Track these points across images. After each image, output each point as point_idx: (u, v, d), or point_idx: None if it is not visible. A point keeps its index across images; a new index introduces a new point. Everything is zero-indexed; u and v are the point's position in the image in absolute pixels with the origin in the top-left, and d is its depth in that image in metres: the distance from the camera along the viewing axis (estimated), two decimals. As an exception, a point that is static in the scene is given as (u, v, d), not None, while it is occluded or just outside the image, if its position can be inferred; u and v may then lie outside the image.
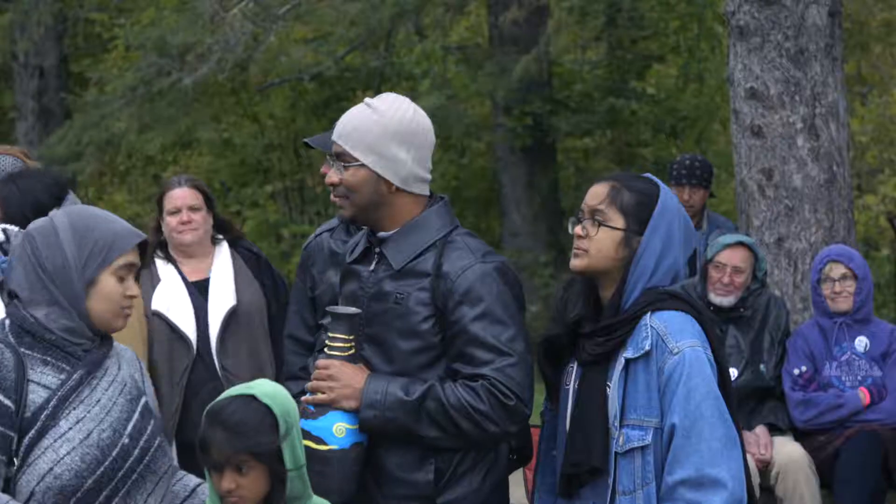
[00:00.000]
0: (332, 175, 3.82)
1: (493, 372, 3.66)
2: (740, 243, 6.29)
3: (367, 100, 3.81)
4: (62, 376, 3.45)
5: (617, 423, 3.55)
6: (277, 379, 4.75)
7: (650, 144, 14.90)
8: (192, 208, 5.77)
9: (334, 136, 3.80)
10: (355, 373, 3.74)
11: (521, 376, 3.67)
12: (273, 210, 15.36)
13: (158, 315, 5.60)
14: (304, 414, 3.72)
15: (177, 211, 5.81)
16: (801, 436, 6.19)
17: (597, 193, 3.66)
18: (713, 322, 3.67)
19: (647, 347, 3.53)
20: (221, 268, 5.78)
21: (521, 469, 4.33)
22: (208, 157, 15.70)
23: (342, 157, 3.78)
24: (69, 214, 3.52)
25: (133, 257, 3.51)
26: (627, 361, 3.55)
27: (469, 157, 15.70)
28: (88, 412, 3.46)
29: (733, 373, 6.19)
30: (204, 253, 5.83)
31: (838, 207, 6.96)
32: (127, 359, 3.65)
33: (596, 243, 3.62)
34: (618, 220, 3.62)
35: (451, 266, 3.72)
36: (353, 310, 3.75)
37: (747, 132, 7.00)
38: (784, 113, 6.92)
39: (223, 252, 5.84)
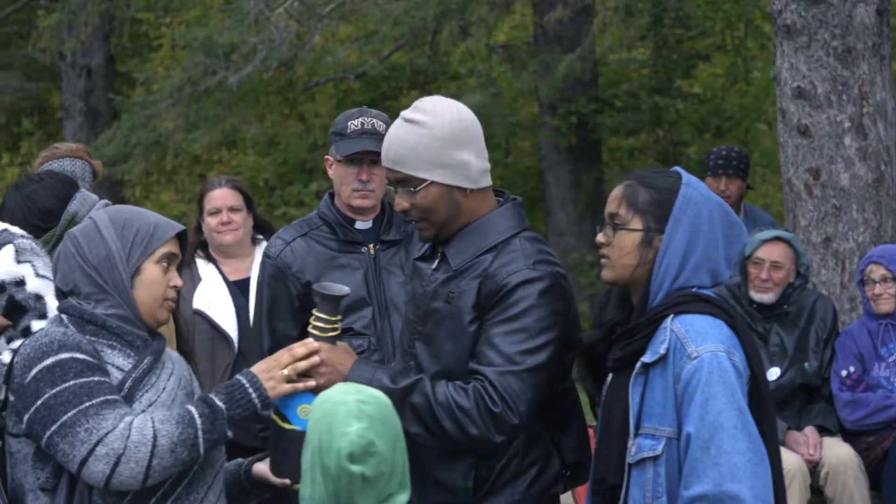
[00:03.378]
0: (401, 202, 3.77)
1: (491, 374, 3.57)
2: (778, 238, 6.19)
3: (404, 115, 3.74)
4: (131, 360, 3.49)
5: (633, 433, 3.36)
6: None
7: (695, 144, 14.85)
8: (233, 209, 5.80)
9: (389, 164, 3.74)
10: (342, 357, 3.66)
11: (519, 387, 3.55)
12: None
13: (200, 314, 5.64)
14: None
15: (217, 211, 5.84)
16: (849, 437, 6.14)
17: (614, 196, 3.51)
18: (746, 327, 3.47)
19: (663, 351, 3.34)
20: None
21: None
22: (253, 157, 15.75)
23: (407, 183, 3.71)
24: (107, 212, 3.59)
25: (174, 247, 3.57)
26: (646, 366, 3.36)
27: (514, 157, 15.69)
28: (158, 397, 3.50)
29: (776, 372, 6.14)
30: (244, 253, 5.87)
31: (886, 207, 6.91)
32: (174, 358, 3.69)
33: (617, 249, 3.46)
34: (635, 221, 3.45)
35: (498, 269, 3.65)
36: (340, 289, 3.67)
37: (794, 131, 6.96)
38: (831, 112, 6.87)
39: (263, 252, 5.88)
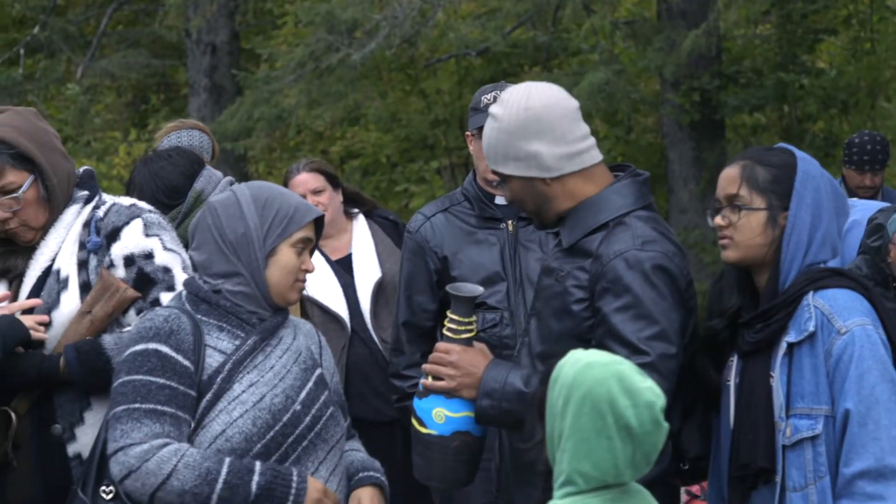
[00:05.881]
0: (503, 195, 3.80)
1: None
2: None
3: (491, 109, 3.73)
4: (237, 342, 3.54)
5: (783, 415, 3.32)
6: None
7: (820, 120, 14.61)
8: (315, 191, 5.79)
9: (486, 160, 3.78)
10: (476, 359, 3.62)
11: (656, 380, 3.48)
12: (439, 186, 15.41)
13: (309, 299, 5.66)
14: (417, 392, 3.68)
15: (302, 197, 5.86)
16: None
17: (730, 178, 3.45)
18: (885, 298, 3.43)
19: (812, 328, 3.31)
20: (361, 242, 5.79)
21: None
22: (375, 133, 15.81)
23: (498, 176, 3.74)
24: (250, 187, 3.63)
25: (310, 232, 3.60)
26: (790, 346, 3.33)
27: (636, 133, 15.57)
28: (262, 377, 3.54)
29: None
30: (340, 230, 5.84)
31: None
32: (304, 331, 3.72)
33: (741, 230, 3.41)
34: (758, 201, 3.42)
35: (606, 248, 3.57)
36: (473, 289, 3.65)
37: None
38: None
39: (360, 225, 5.85)
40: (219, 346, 3.55)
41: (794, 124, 14.98)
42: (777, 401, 3.34)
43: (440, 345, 3.70)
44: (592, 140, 3.73)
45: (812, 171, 3.42)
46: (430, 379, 3.65)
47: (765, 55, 14.28)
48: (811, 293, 3.35)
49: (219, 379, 3.52)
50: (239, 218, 3.57)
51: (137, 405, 3.46)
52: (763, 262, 3.43)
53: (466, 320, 3.68)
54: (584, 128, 3.71)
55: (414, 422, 3.63)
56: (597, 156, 3.72)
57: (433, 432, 3.60)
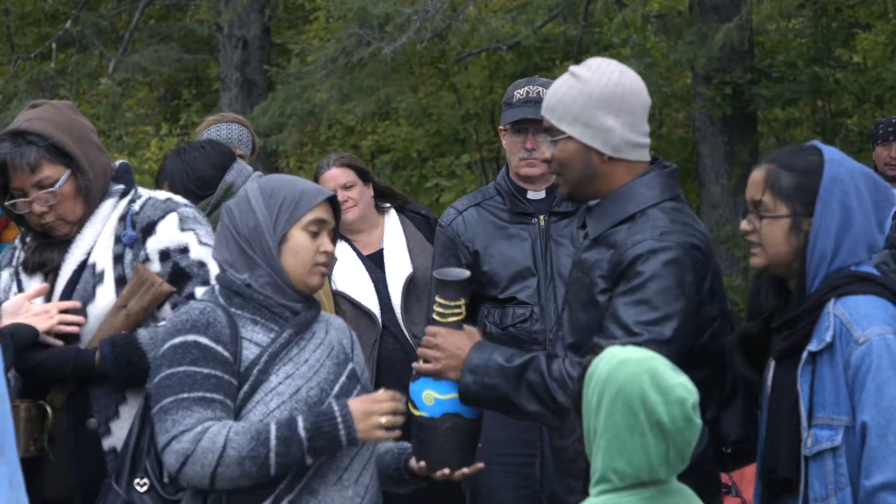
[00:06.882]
0: (545, 151, 3.77)
1: (607, 346, 3.48)
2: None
3: (571, 68, 3.73)
4: (271, 335, 3.55)
5: (806, 424, 3.27)
6: None
7: (855, 114, 14.54)
8: (346, 186, 5.77)
9: (542, 110, 3.74)
10: (461, 341, 3.63)
11: None
12: (470, 180, 15.40)
13: (341, 295, 5.65)
14: (412, 376, 3.70)
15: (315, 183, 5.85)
16: None
17: (755, 182, 3.39)
18: None
19: (829, 339, 3.24)
20: (393, 236, 5.78)
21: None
22: (406, 128, 15.81)
23: (551, 132, 3.70)
24: (258, 182, 3.66)
25: (322, 213, 3.60)
26: (812, 355, 3.27)
27: (667, 128, 15.52)
28: (297, 370, 3.54)
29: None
30: (372, 225, 5.82)
31: None
32: (336, 326, 3.73)
33: (765, 237, 3.36)
34: (780, 208, 3.34)
35: (627, 238, 3.58)
36: (459, 273, 3.66)
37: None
38: None
39: (392, 220, 5.83)
40: (254, 338, 3.56)
41: (829, 118, 14.91)
42: (803, 410, 3.29)
43: (428, 328, 3.71)
44: (649, 141, 3.74)
45: (841, 174, 3.32)
46: (421, 362, 3.66)
47: (798, 49, 14.22)
48: (833, 301, 3.28)
49: (255, 371, 3.52)
50: (249, 212, 3.59)
51: (186, 394, 3.46)
52: (790, 269, 3.37)
53: (454, 303, 3.69)
54: (648, 127, 3.74)
55: (409, 405, 3.65)
56: (647, 156, 3.73)
57: (424, 414, 3.63)
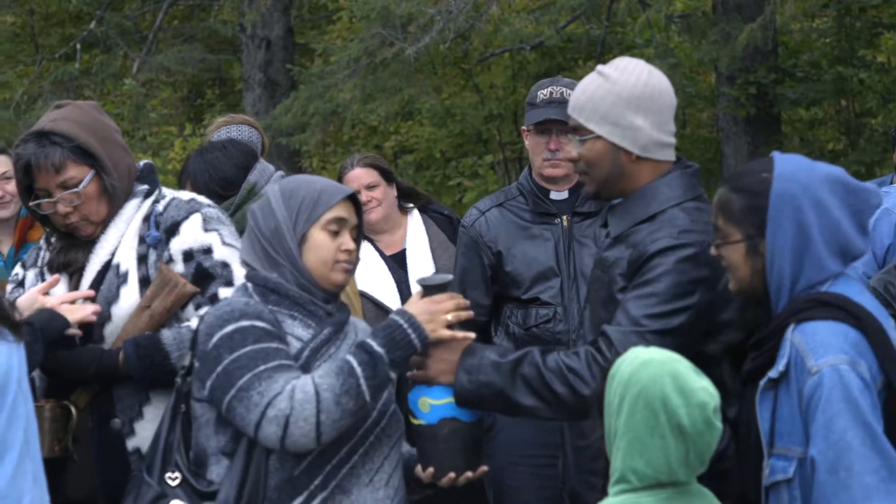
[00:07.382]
0: (571, 150, 3.77)
1: (612, 332, 3.48)
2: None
3: (599, 68, 3.72)
4: (310, 331, 3.55)
5: (766, 452, 3.18)
6: None
7: (879, 114, 14.49)
8: (369, 187, 5.76)
9: (569, 110, 3.74)
10: (451, 345, 3.59)
11: (637, 345, 3.40)
12: (493, 180, 15.40)
13: (363, 294, 5.65)
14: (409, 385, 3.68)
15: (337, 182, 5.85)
16: None
17: (713, 207, 3.33)
18: (881, 329, 3.14)
19: (782, 368, 3.13)
20: (416, 237, 5.77)
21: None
22: (429, 128, 15.81)
23: (578, 131, 3.69)
24: (280, 183, 3.68)
25: (342, 212, 3.60)
26: (774, 381, 3.16)
27: (691, 128, 15.49)
28: None
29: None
30: (395, 225, 5.81)
31: None
32: (361, 328, 3.73)
33: (728, 263, 3.28)
34: (733, 232, 3.25)
35: (646, 237, 3.58)
36: (441, 278, 3.64)
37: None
38: None
39: (415, 220, 5.83)
40: (295, 332, 3.57)
41: (853, 119, 14.86)
42: (763, 438, 3.20)
43: None
44: (675, 140, 3.74)
45: (791, 190, 3.18)
46: (415, 371, 3.66)
47: (822, 49, 14.18)
48: (792, 326, 3.16)
49: (298, 364, 3.52)
50: (270, 213, 3.60)
51: (262, 367, 3.44)
52: (758, 290, 3.27)
53: None
54: (674, 126, 3.74)
55: (409, 416, 3.65)
56: (672, 156, 3.73)
57: (422, 422, 3.62)
